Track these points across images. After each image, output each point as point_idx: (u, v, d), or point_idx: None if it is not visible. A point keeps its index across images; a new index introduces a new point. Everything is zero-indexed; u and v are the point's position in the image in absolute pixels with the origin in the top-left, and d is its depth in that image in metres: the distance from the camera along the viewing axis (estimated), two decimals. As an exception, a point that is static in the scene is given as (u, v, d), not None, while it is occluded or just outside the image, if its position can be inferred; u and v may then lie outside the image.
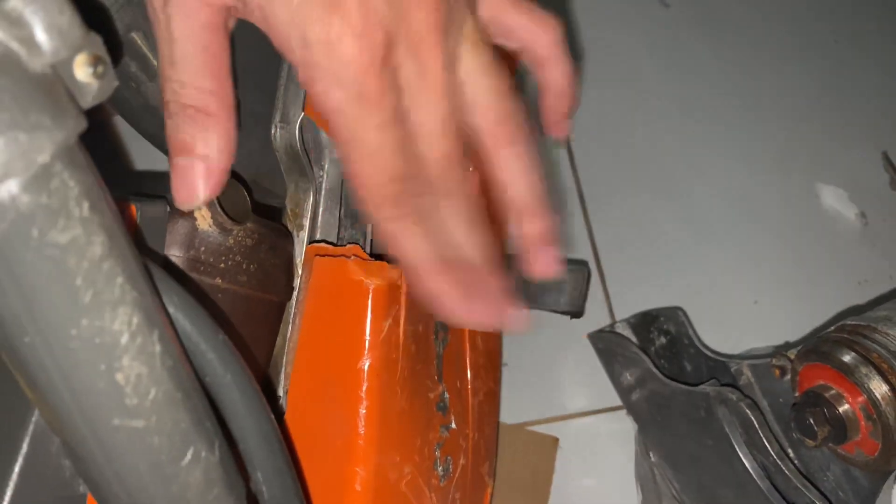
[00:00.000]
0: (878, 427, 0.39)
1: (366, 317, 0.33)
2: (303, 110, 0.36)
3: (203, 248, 0.31)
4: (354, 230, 0.39)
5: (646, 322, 0.58)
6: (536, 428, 0.60)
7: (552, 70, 0.32)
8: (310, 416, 0.34)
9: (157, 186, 0.32)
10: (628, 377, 0.55)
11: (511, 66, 0.31)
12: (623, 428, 0.60)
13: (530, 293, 0.56)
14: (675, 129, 0.73)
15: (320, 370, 0.34)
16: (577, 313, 0.57)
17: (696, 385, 0.49)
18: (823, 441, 0.40)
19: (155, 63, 0.32)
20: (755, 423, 0.44)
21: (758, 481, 0.44)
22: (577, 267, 0.57)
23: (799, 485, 0.42)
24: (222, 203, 0.31)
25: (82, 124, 0.18)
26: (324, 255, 0.35)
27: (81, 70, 0.18)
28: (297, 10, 0.24)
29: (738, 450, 0.45)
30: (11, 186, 0.16)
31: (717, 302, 0.66)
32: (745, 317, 0.66)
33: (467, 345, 0.42)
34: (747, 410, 0.44)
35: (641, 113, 0.74)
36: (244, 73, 0.42)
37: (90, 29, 0.18)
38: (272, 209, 0.39)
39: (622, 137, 0.72)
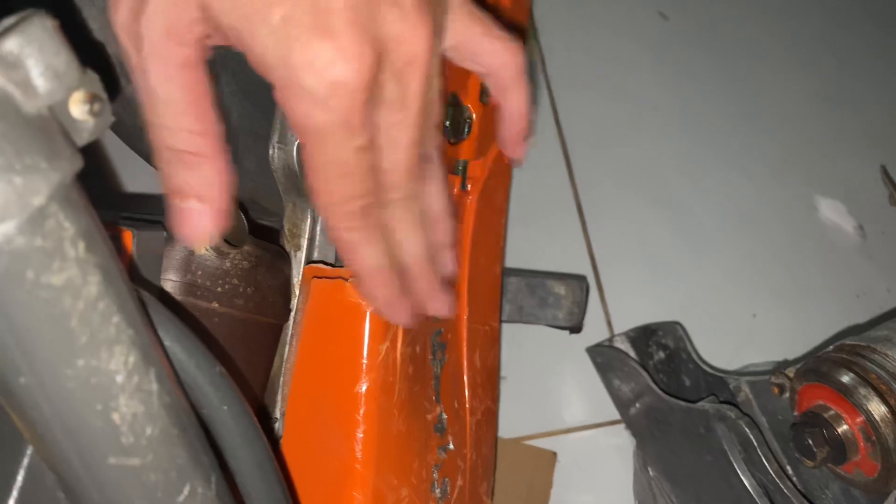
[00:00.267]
0: (877, 448, 0.38)
1: (363, 340, 0.33)
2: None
3: (200, 273, 0.31)
4: (352, 250, 0.39)
5: (644, 336, 0.58)
6: (535, 442, 0.60)
7: (513, 96, 0.33)
8: (307, 439, 0.34)
9: (151, 209, 0.32)
10: (627, 392, 0.55)
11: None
12: (622, 442, 0.59)
13: (529, 308, 0.56)
14: (674, 141, 0.73)
15: (317, 393, 0.34)
16: (575, 328, 0.57)
17: (695, 401, 0.49)
18: (822, 462, 0.40)
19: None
20: (754, 441, 0.44)
21: (756, 499, 0.44)
22: (576, 281, 0.57)
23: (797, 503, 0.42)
24: (220, 227, 0.31)
25: (78, 163, 0.18)
26: (321, 277, 0.35)
27: (77, 108, 0.18)
28: (278, 31, 0.23)
29: (736, 468, 0.45)
30: (6, 229, 0.16)
31: (716, 315, 0.66)
32: (744, 330, 0.66)
33: (465, 364, 0.42)
34: (746, 429, 0.44)
35: (640, 125, 0.74)
36: (241, 93, 0.42)
37: (86, 67, 0.18)
38: (269, 229, 0.39)
39: (621, 150, 0.72)
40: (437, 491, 0.38)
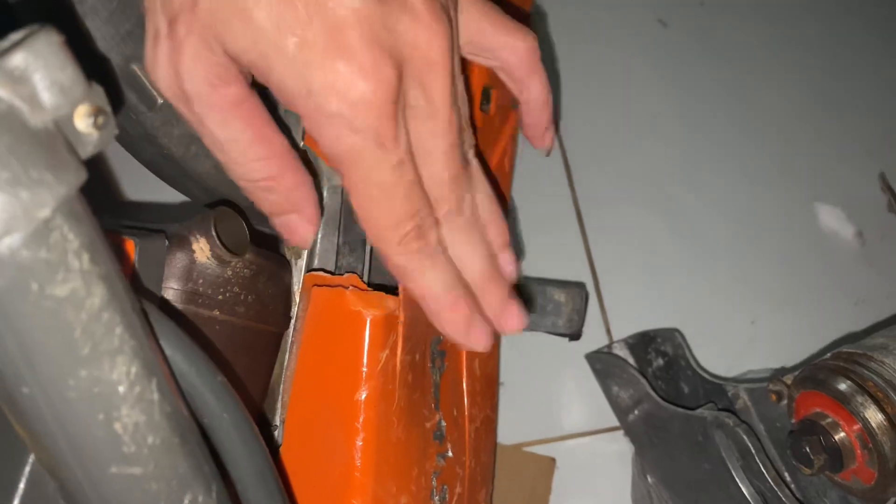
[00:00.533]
0: (874, 456, 0.39)
1: (363, 348, 0.33)
2: (302, 139, 0.36)
3: (201, 281, 0.31)
4: (352, 258, 0.39)
5: (643, 342, 0.58)
6: (534, 448, 0.60)
7: (532, 84, 0.33)
8: (306, 446, 0.34)
9: (153, 217, 0.32)
10: (626, 398, 0.55)
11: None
12: (620, 449, 0.60)
13: (527, 315, 0.56)
14: (674, 148, 0.74)
15: (317, 401, 0.34)
16: (574, 335, 0.57)
17: (694, 408, 0.49)
18: (820, 469, 0.40)
19: (153, 93, 0.33)
20: (752, 448, 0.44)
21: (754, 507, 0.44)
22: (575, 289, 0.57)
23: (795, 512, 0.42)
24: (220, 236, 0.31)
25: (82, 176, 0.18)
26: (321, 285, 0.35)
27: (82, 121, 0.18)
28: (294, 59, 0.23)
29: (734, 475, 0.45)
30: (11, 241, 0.16)
31: (715, 321, 0.66)
32: (743, 336, 0.66)
33: (464, 372, 0.42)
34: (744, 436, 0.44)
35: (639, 132, 0.74)
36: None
37: (91, 80, 0.18)
38: (271, 237, 0.39)
39: (620, 156, 0.72)
40: (437, 498, 0.38)
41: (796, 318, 0.67)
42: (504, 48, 0.31)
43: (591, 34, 0.77)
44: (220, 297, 0.32)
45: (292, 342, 0.36)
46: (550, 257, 0.66)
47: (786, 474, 0.47)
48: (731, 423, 0.45)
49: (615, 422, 0.59)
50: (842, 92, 0.79)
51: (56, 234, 0.17)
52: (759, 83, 0.78)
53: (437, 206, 0.27)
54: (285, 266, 0.36)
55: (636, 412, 0.54)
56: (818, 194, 0.73)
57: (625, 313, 0.65)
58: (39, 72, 0.17)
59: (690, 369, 0.56)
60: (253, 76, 0.26)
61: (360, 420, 0.33)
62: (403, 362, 0.35)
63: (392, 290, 0.34)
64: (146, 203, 0.61)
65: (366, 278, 0.38)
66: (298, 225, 0.29)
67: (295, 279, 0.37)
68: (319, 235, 0.38)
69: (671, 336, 0.58)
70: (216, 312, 0.31)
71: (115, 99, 0.31)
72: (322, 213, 0.36)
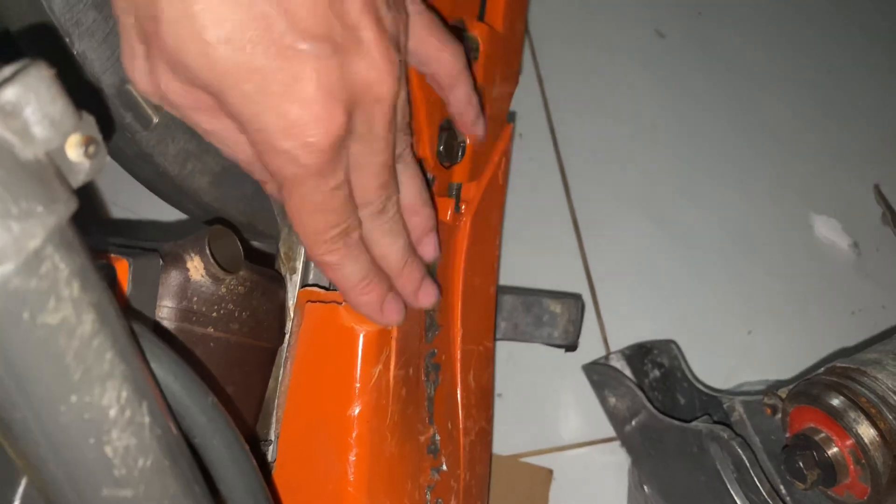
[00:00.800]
0: (867, 471, 0.39)
1: (356, 363, 0.34)
2: None
3: (196, 299, 0.31)
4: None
5: (640, 354, 0.58)
6: (530, 459, 0.60)
7: (456, 91, 0.37)
8: (300, 461, 0.35)
9: (150, 235, 0.32)
10: (622, 409, 0.55)
11: None
12: (617, 460, 0.60)
13: (524, 326, 0.56)
14: (671, 159, 0.74)
15: (311, 416, 0.35)
16: (571, 346, 0.57)
17: (689, 420, 0.49)
18: (813, 484, 0.40)
19: (149, 113, 0.33)
20: (746, 462, 0.44)
21: (749, 520, 0.44)
22: (572, 300, 0.57)
23: (789, 525, 0.42)
24: (215, 254, 0.31)
25: (73, 206, 0.18)
26: (315, 301, 0.35)
27: (73, 151, 0.19)
28: (252, 100, 0.24)
29: (729, 488, 0.45)
30: (3, 271, 0.17)
31: (712, 332, 0.66)
32: (740, 347, 0.66)
33: (459, 384, 0.42)
34: (739, 449, 0.45)
35: (636, 143, 0.74)
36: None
37: (82, 110, 0.19)
38: (265, 254, 0.39)
39: (617, 168, 0.73)
40: (430, 512, 0.38)
41: (792, 328, 0.67)
42: (434, 61, 0.35)
43: (588, 45, 0.78)
44: (215, 314, 0.32)
45: (286, 357, 0.36)
46: (547, 268, 0.66)
47: (781, 487, 0.47)
48: (727, 436, 0.45)
49: (612, 433, 0.59)
50: (838, 103, 0.79)
51: (47, 263, 0.18)
52: (757, 94, 0.78)
53: (363, 207, 0.30)
54: (279, 282, 0.36)
55: (633, 423, 0.54)
56: (814, 205, 0.73)
57: (622, 324, 0.66)
58: (31, 105, 0.17)
59: (686, 381, 0.56)
60: None
61: (353, 435, 0.33)
62: (397, 377, 0.35)
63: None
64: (141, 221, 0.61)
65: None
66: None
67: (290, 294, 0.37)
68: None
69: (667, 347, 0.58)
70: (210, 330, 0.32)
71: (107, 123, 0.31)
72: None
